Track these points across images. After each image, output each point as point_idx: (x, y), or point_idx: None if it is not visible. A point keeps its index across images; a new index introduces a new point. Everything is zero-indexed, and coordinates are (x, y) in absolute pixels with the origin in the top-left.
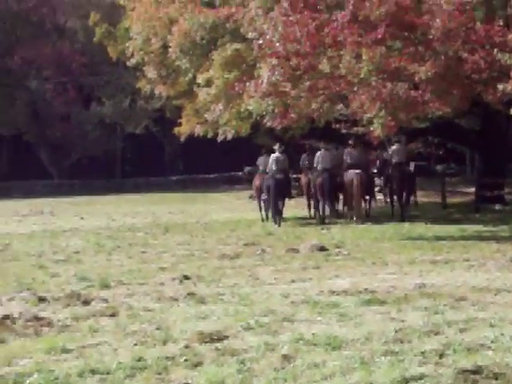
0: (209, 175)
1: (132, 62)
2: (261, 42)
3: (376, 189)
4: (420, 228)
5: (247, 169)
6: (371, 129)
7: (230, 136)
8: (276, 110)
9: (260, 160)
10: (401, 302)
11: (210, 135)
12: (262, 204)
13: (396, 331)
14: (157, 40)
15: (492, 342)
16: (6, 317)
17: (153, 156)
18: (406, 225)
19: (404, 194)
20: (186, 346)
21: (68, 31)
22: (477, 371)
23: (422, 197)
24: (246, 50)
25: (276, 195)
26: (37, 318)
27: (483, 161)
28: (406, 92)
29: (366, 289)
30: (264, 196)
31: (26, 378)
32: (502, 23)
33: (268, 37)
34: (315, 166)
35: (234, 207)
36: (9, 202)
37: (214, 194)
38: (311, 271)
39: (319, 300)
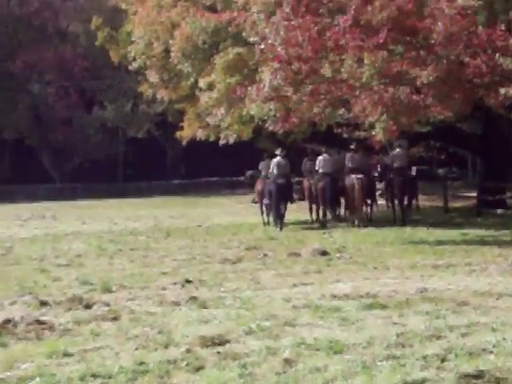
0: (211, 179)
1: (134, 66)
2: (263, 46)
3: (377, 193)
4: (422, 232)
5: (249, 173)
6: (373, 133)
7: (231, 140)
8: (278, 114)
9: (262, 164)
10: (402, 306)
11: (211, 139)
12: (264, 208)
13: (398, 335)
14: (159, 44)
15: (494, 346)
16: (8, 321)
17: (155, 160)
18: (408, 229)
19: (405, 199)
20: (188, 350)
21: (70, 35)
22: (479, 376)
23: (423, 201)
24: (247, 54)
25: (278, 199)
26: (38, 322)
27: (485, 165)
28: (407, 96)
29: (367, 293)
30: (266, 200)
31: (28, 381)
32: (503, 27)
33: (270, 41)
34: (316, 169)
35: (236, 211)
36: (11, 205)
37: (215, 198)
38: (313, 275)
39: (321, 304)
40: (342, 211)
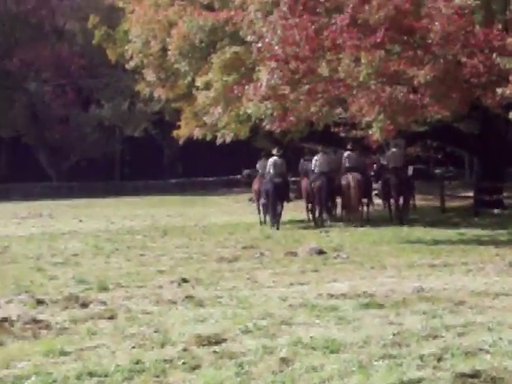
0: (208, 178)
1: (131, 64)
2: (260, 45)
3: (374, 192)
4: (419, 232)
5: (246, 172)
6: (370, 132)
7: (228, 139)
8: (275, 113)
9: (259, 163)
10: (399, 305)
11: (208, 138)
12: (261, 207)
13: (394, 335)
14: (156, 43)
15: (490, 346)
16: (4, 319)
17: (152, 159)
18: (405, 228)
19: (401, 199)
20: (184, 349)
21: (67, 33)
22: (475, 375)
23: (420, 200)
24: (245, 53)
25: (274, 199)
26: (35, 321)
27: (482, 165)
28: (404, 96)
29: (364, 292)
30: (262, 200)
31: (24, 380)
32: (501, 27)
33: (267, 40)
34: (312, 168)
35: (233, 210)
36: (7, 204)
37: (212, 197)
38: (310, 274)
39: (317, 303)
40: (339, 210)
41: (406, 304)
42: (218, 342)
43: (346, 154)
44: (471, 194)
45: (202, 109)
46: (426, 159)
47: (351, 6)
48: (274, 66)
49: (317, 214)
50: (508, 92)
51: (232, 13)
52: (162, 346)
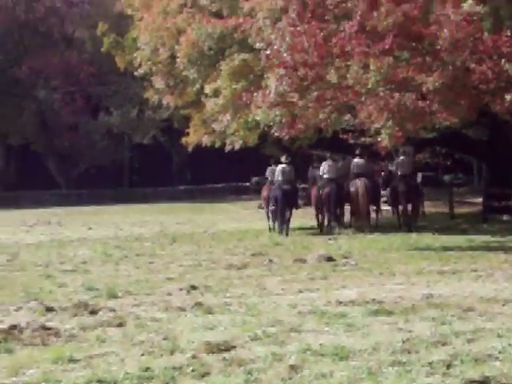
0: (216, 185)
1: (140, 72)
2: (268, 52)
3: (382, 199)
4: (427, 238)
5: (255, 179)
6: (379, 139)
7: (237, 146)
8: (283, 120)
9: (269, 170)
10: (408, 312)
11: (217, 145)
12: (270, 214)
13: (403, 342)
14: (164, 50)
15: (499, 352)
16: (14, 326)
17: (160, 166)
18: (414, 235)
19: (410, 206)
20: (193, 356)
21: (76, 41)
22: (484, 382)
23: (429, 207)
24: (253, 60)
25: (283, 205)
26: (44, 328)
27: (491, 171)
28: (413, 102)
29: (373, 299)
30: (271, 206)
31: None
32: (509, 34)
33: (276, 47)
34: (321, 174)
35: (242, 217)
36: (17, 211)
37: (221, 204)
38: (318, 281)
39: (326, 310)
40: (348, 217)
41: (415, 311)
42: (227, 349)
43: (354, 160)
44: (480, 200)
45: (210, 116)
46: (435, 166)
47: (360, 12)
48: (283, 73)
49: (325, 221)
50: None
51: (241, 20)
52: (171, 353)
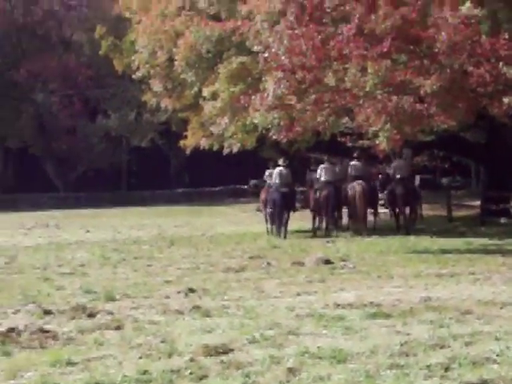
0: (214, 188)
1: (138, 75)
2: (266, 55)
3: (380, 202)
4: (425, 241)
5: (253, 182)
6: (377, 142)
7: (235, 149)
8: (281, 123)
9: (267, 173)
10: (406, 315)
11: (215, 148)
12: (268, 217)
13: (401, 344)
14: (163, 53)
15: (497, 355)
16: (12, 329)
17: (159, 169)
18: (412, 238)
19: (407, 209)
20: (191, 359)
21: (74, 44)
22: None
23: (427, 210)
24: (251, 63)
25: (281, 208)
26: (42, 331)
27: (489, 174)
28: (411, 105)
29: (371, 302)
30: (269, 209)
31: None
32: (507, 37)
33: (274, 50)
34: (318, 177)
35: (240, 220)
36: (15, 214)
37: (219, 207)
38: (316, 284)
39: (324, 313)
40: (345, 220)
41: (413, 313)
42: (225, 352)
43: (352, 163)
44: (478, 203)
45: (208, 119)
46: (433, 169)
47: (358, 15)
48: (281, 76)
49: (323, 224)
50: None
51: (239, 23)
52: (169, 356)
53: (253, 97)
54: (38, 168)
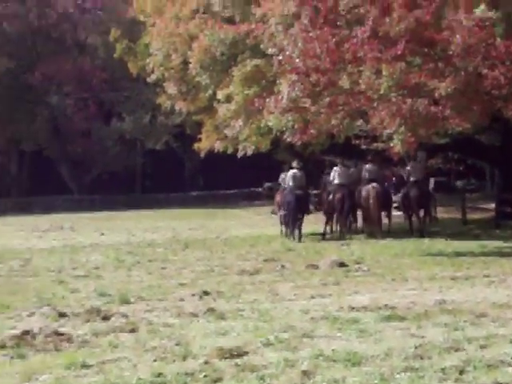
0: (229, 191)
1: (152, 77)
2: (281, 57)
3: (394, 205)
4: (440, 244)
5: (267, 185)
6: (391, 145)
7: (249, 152)
8: (296, 126)
9: (282, 176)
10: (421, 318)
11: (229, 151)
12: (282, 219)
13: (416, 347)
14: (177, 56)
15: None
16: (26, 332)
17: (173, 172)
18: (426, 241)
19: (421, 212)
20: (206, 362)
21: (88, 47)
22: None
23: (442, 213)
24: (265, 65)
25: (296, 211)
26: (57, 334)
27: (503, 176)
28: (425, 108)
29: (385, 305)
30: (283, 211)
31: None
32: None
33: (288, 53)
34: (331, 179)
35: (254, 223)
36: (29, 217)
37: (233, 209)
38: (331, 287)
39: (339, 316)
40: (360, 223)
41: (428, 316)
42: (239, 355)
43: (366, 166)
44: (492, 205)
45: (222, 122)
46: (447, 171)
47: (372, 18)
48: (295, 79)
49: (337, 227)
50: None
51: (253, 26)
52: (184, 358)
53: (267, 99)
54: (52, 171)
